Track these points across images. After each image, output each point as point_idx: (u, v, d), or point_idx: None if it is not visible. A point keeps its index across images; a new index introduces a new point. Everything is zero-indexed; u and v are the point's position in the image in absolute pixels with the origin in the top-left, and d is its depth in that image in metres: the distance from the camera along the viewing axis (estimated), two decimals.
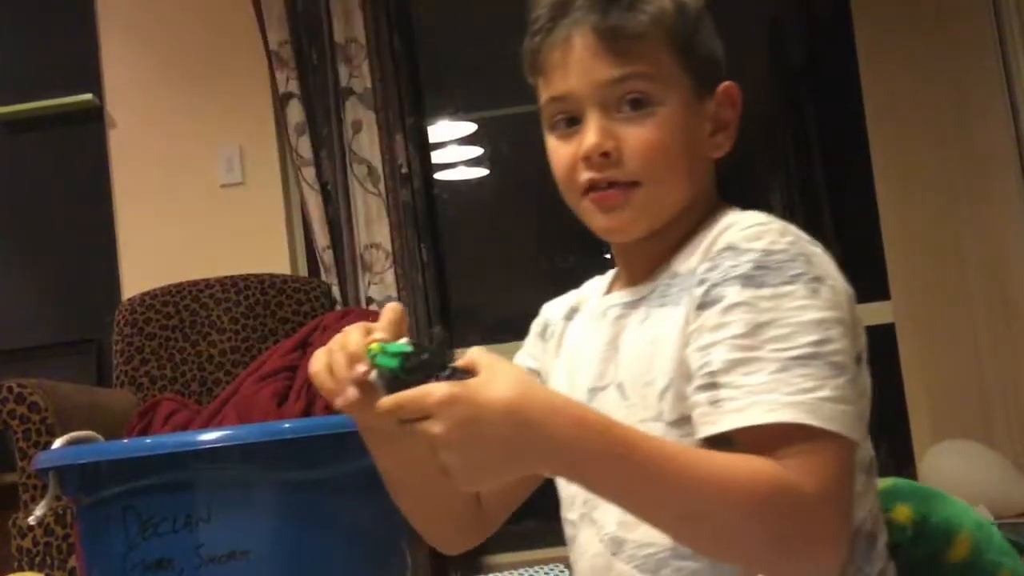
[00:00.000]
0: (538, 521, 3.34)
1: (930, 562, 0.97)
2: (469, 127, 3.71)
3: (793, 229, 0.87)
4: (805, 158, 3.62)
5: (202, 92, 3.39)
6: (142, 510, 1.27)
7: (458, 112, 3.70)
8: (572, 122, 0.94)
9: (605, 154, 0.91)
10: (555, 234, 3.83)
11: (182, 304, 3.02)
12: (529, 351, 1.09)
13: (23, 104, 3.39)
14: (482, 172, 3.75)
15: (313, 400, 2.44)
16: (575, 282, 1.11)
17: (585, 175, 0.93)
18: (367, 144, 3.28)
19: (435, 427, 0.73)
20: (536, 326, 1.10)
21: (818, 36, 3.60)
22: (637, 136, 0.91)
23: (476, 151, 3.73)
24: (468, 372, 0.76)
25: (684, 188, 0.94)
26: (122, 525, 1.29)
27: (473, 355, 0.76)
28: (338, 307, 3.19)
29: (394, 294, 3.21)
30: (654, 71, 0.91)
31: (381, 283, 3.23)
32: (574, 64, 0.92)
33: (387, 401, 0.76)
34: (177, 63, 3.41)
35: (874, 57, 3.32)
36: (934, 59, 3.29)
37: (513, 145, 3.71)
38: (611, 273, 1.06)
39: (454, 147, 3.72)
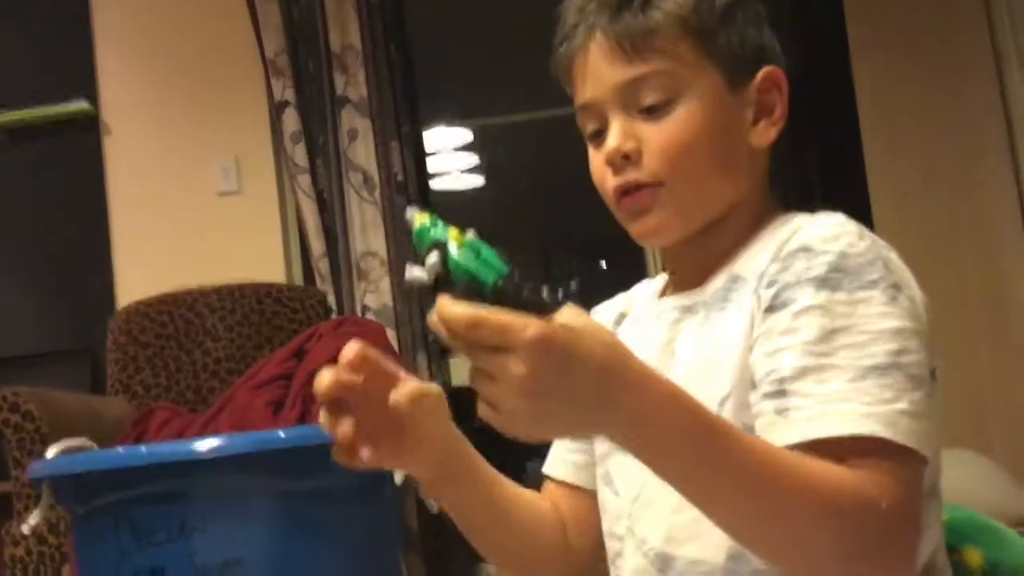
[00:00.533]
0: None
1: None
2: (465, 135, 3.71)
3: (868, 232, 0.82)
4: (800, 159, 3.62)
5: (198, 101, 3.39)
6: (136, 519, 1.27)
7: (453, 120, 3.70)
8: (602, 129, 0.91)
9: (626, 156, 0.88)
10: (552, 242, 3.84)
11: (177, 313, 3.01)
12: None
13: (18, 112, 3.38)
14: (478, 180, 3.76)
15: (308, 409, 2.44)
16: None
17: (611, 181, 0.90)
18: (362, 152, 3.28)
19: (516, 367, 0.63)
20: None
21: (812, 37, 3.61)
22: (656, 135, 0.88)
23: (472, 159, 3.73)
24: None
25: (720, 183, 0.90)
26: (115, 534, 1.28)
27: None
28: (333, 316, 3.18)
29: (389, 302, 3.21)
30: (671, 67, 0.88)
31: (377, 291, 3.23)
32: (591, 71, 0.90)
33: (467, 312, 0.63)
34: (173, 72, 3.41)
35: (868, 58, 3.33)
36: (928, 59, 3.30)
37: (509, 153, 3.72)
38: (662, 277, 1.01)
39: (449, 155, 3.72)
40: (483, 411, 0.66)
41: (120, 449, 1.30)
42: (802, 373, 0.76)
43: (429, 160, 3.60)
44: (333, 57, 3.29)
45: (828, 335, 0.76)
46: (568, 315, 0.66)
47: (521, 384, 0.64)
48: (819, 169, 3.62)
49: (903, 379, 0.75)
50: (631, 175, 0.89)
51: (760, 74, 0.91)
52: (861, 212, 3.26)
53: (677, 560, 0.85)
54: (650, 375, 0.70)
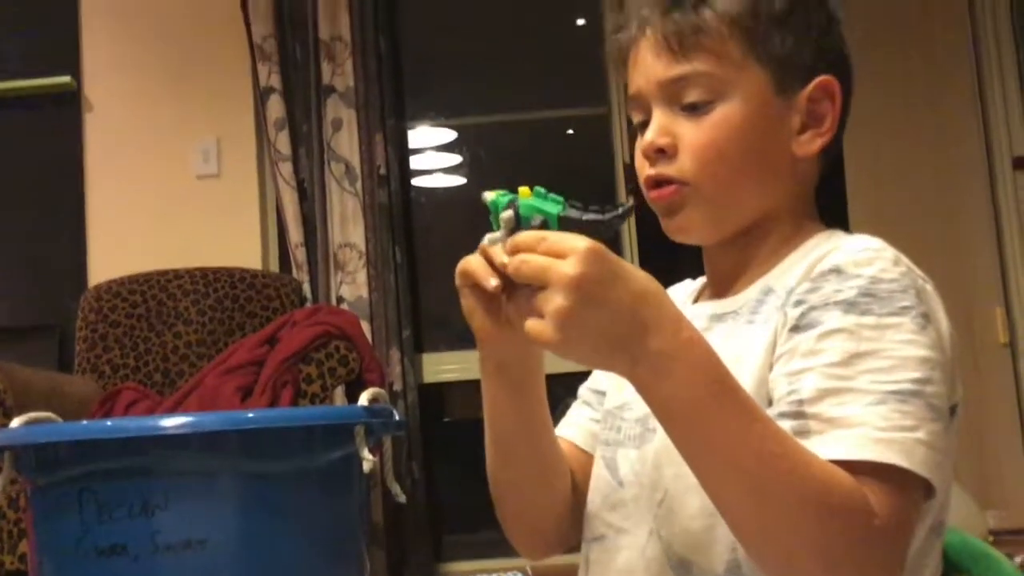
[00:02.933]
0: (498, 532, 3.32)
1: None
2: (449, 135, 3.70)
3: (905, 260, 0.82)
4: None
5: (182, 81, 3.37)
6: (98, 494, 1.25)
7: (439, 118, 3.69)
8: (647, 120, 0.93)
9: (661, 151, 0.89)
10: None
11: (149, 293, 2.99)
12: None
13: (1, 82, 3.35)
14: (459, 180, 3.74)
15: (278, 396, 2.42)
16: None
17: (645, 172, 0.91)
18: (346, 143, 3.27)
19: (570, 268, 0.70)
20: None
21: None
22: (692, 135, 0.88)
23: (454, 159, 3.72)
24: None
25: (753, 188, 0.90)
26: (77, 509, 1.25)
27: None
28: (308, 305, 3.17)
29: (365, 294, 3.20)
30: (715, 68, 0.88)
31: (353, 283, 3.21)
32: (640, 64, 0.92)
33: (536, 232, 0.73)
34: (159, 50, 3.38)
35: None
36: (910, 69, 3.37)
37: (491, 154, 3.71)
38: (700, 280, 1.02)
39: (432, 153, 3.71)
40: (529, 324, 0.72)
41: (85, 422, 1.28)
42: (822, 395, 0.75)
43: (412, 157, 3.58)
44: (321, 45, 3.28)
45: (852, 358, 0.75)
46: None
47: (571, 282, 0.69)
48: None
49: (924, 408, 0.74)
50: (663, 169, 0.90)
51: (814, 82, 0.90)
52: (838, 214, 3.29)
53: (693, 567, 0.84)
54: (684, 319, 0.73)
